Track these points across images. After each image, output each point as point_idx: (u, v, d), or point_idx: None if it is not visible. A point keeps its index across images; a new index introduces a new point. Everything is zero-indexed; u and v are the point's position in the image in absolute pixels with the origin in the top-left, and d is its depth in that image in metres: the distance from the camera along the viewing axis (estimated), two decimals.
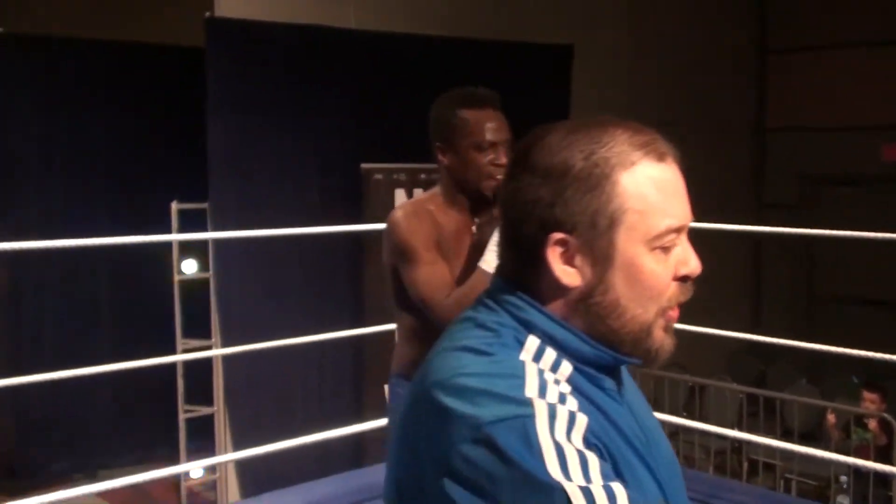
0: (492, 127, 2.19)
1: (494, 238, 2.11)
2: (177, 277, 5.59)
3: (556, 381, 0.98)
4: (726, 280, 9.13)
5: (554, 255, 1.01)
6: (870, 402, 5.45)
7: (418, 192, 5.69)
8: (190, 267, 5.65)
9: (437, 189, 2.30)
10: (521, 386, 0.95)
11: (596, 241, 1.00)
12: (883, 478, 5.01)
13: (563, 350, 1.02)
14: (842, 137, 8.79)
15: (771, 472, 6.00)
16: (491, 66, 5.72)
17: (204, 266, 5.58)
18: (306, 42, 5.41)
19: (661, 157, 1.02)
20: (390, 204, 5.56)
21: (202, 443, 5.89)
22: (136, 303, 6.25)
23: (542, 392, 0.95)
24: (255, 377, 5.34)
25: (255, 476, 5.21)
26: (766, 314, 9.64)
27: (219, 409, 5.60)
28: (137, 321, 6.18)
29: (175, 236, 5.30)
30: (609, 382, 1.05)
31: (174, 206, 5.51)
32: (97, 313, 6.28)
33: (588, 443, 0.93)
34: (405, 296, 2.22)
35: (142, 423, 6.43)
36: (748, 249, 9.62)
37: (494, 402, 0.93)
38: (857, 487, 5.02)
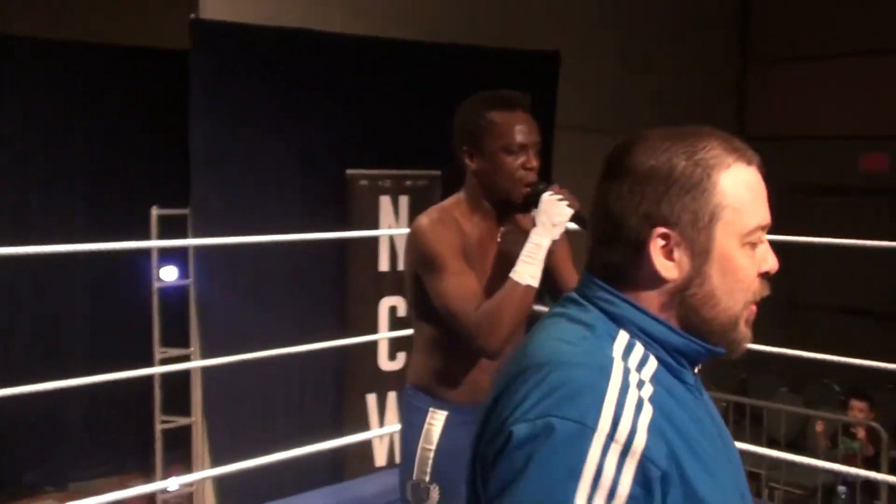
0: (522, 129, 2.11)
1: (526, 248, 2.06)
2: (156, 284, 5.47)
3: (640, 384, 1.03)
4: None
5: (655, 249, 1.08)
6: (858, 410, 5.43)
7: (403, 200, 5.64)
8: (169, 274, 5.53)
9: (461, 195, 2.21)
10: (605, 386, 1.00)
11: (697, 236, 1.08)
12: (870, 486, 4.99)
13: (653, 340, 1.08)
14: (821, 147, 8.84)
15: (755, 481, 5.97)
16: (477, 71, 5.64)
17: (184, 273, 5.47)
18: (292, 45, 5.32)
19: (750, 162, 1.12)
20: (375, 211, 5.49)
21: (178, 453, 5.77)
22: (113, 309, 6.12)
23: (622, 397, 1.00)
24: (234, 387, 5.23)
25: (232, 488, 5.10)
26: None
27: (196, 419, 5.49)
28: (114, 328, 6.04)
29: (155, 243, 5.19)
30: (690, 377, 1.11)
31: (154, 211, 5.40)
32: (72, 320, 6.15)
33: (640, 470, 0.96)
34: (427, 306, 2.13)
35: (116, 433, 6.30)
36: None
37: (570, 397, 0.99)
38: (846, 497, 5.00)
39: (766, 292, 1.13)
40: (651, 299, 1.09)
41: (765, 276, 1.13)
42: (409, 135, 5.53)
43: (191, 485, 5.61)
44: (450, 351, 2.14)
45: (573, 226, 2.17)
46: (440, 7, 6.21)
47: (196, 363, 5.02)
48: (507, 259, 2.11)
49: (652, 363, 1.07)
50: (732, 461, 1.14)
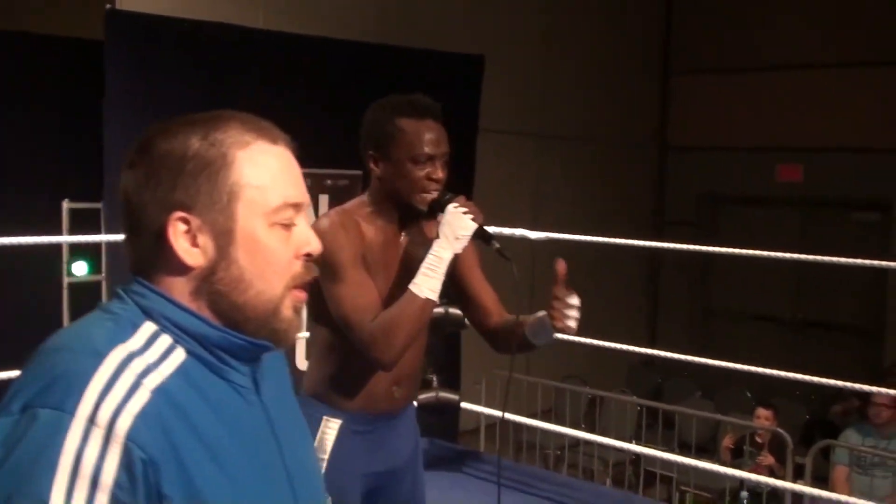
0: (431, 139, 2.05)
1: (427, 261, 2.01)
2: (66, 280, 5.34)
3: (146, 371, 0.98)
4: (625, 294, 9.30)
5: (176, 236, 1.04)
6: (764, 419, 5.57)
7: (323, 199, 5.60)
8: (80, 269, 5.40)
9: (364, 198, 2.16)
10: (93, 370, 0.96)
11: (217, 217, 1.04)
12: (776, 494, 5.13)
13: (186, 334, 1.03)
14: (739, 158, 9.08)
15: (666, 484, 6.09)
16: (401, 72, 5.66)
17: (96, 268, 5.34)
18: (213, 40, 5.24)
19: (274, 141, 1.09)
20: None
21: None
22: (19, 306, 5.92)
23: (112, 381, 0.95)
24: None
25: None
26: (663, 328, 9.86)
27: None
28: (21, 325, 5.84)
29: (66, 238, 5.05)
30: (238, 376, 1.06)
31: (65, 204, 5.26)
32: None
33: (125, 454, 0.93)
34: (323, 309, 2.07)
35: None
36: (647, 265, 9.82)
37: (53, 383, 0.94)
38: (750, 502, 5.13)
39: (309, 275, 1.09)
40: (180, 289, 1.05)
41: (307, 257, 1.09)
42: (330, 134, 5.49)
43: None
44: (345, 358, 2.10)
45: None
46: (364, 7, 6.20)
47: None
48: (410, 265, 2.07)
49: (178, 356, 1.02)
50: (296, 476, 1.09)
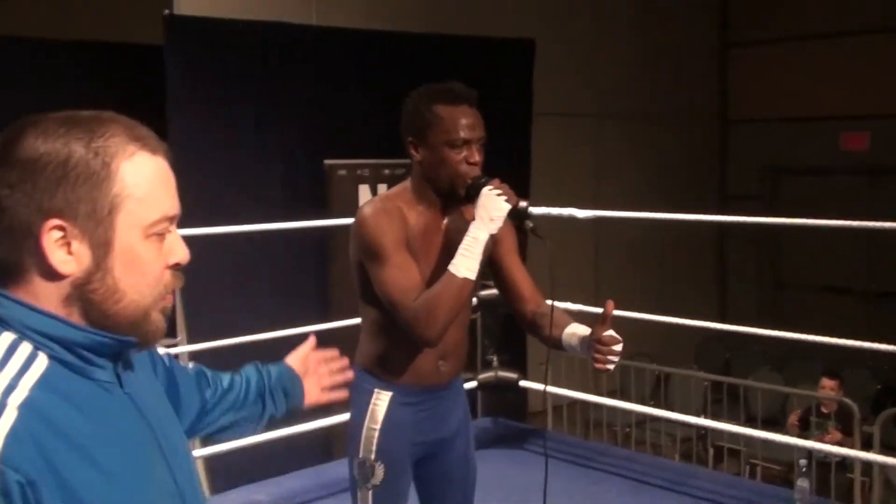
0: (466, 124, 2.12)
1: (465, 242, 2.09)
2: None
3: (9, 388, 0.96)
4: (694, 269, 9.24)
5: (50, 242, 1.00)
6: (829, 389, 5.52)
7: (382, 188, 5.72)
8: None
9: (406, 184, 2.24)
10: None
11: (96, 227, 1.01)
12: (842, 464, 5.09)
13: (47, 339, 1.01)
14: (802, 128, 8.92)
15: (736, 458, 6.07)
16: (453, 60, 5.73)
17: None
18: (268, 39, 5.39)
19: (154, 151, 1.06)
20: (354, 199, 5.57)
21: None
22: None
23: None
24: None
25: (222, 470, 5.18)
26: (733, 302, 9.77)
27: None
28: None
29: None
30: (101, 373, 1.05)
31: None
32: None
33: (1, 492, 0.92)
34: (370, 291, 2.18)
35: None
36: (713, 239, 9.73)
37: None
38: (818, 473, 5.11)
39: (179, 284, 1.08)
40: (50, 296, 1.01)
41: (175, 267, 1.07)
42: (386, 125, 5.60)
43: None
44: (393, 335, 2.21)
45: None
46: None
47: (182, 348, 5.08)
48: (451, 248, 2.14)
49: (40, 364, 0.99)
50: (171, 458, 1.11)
